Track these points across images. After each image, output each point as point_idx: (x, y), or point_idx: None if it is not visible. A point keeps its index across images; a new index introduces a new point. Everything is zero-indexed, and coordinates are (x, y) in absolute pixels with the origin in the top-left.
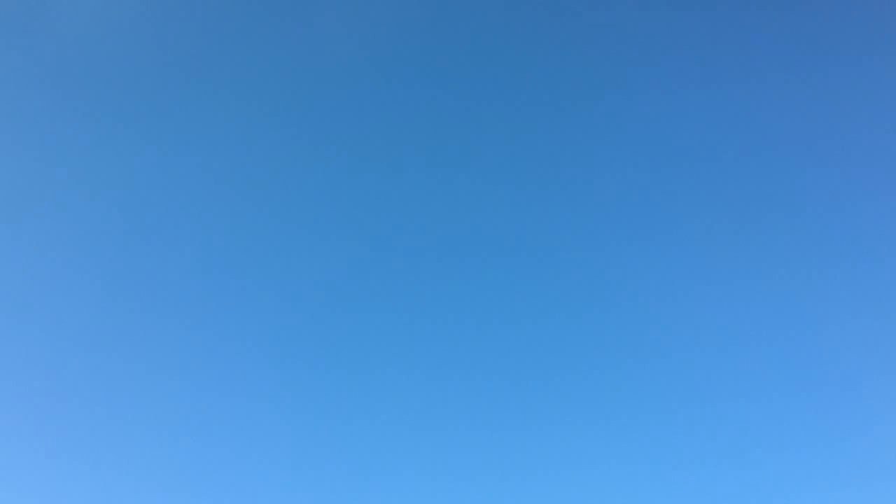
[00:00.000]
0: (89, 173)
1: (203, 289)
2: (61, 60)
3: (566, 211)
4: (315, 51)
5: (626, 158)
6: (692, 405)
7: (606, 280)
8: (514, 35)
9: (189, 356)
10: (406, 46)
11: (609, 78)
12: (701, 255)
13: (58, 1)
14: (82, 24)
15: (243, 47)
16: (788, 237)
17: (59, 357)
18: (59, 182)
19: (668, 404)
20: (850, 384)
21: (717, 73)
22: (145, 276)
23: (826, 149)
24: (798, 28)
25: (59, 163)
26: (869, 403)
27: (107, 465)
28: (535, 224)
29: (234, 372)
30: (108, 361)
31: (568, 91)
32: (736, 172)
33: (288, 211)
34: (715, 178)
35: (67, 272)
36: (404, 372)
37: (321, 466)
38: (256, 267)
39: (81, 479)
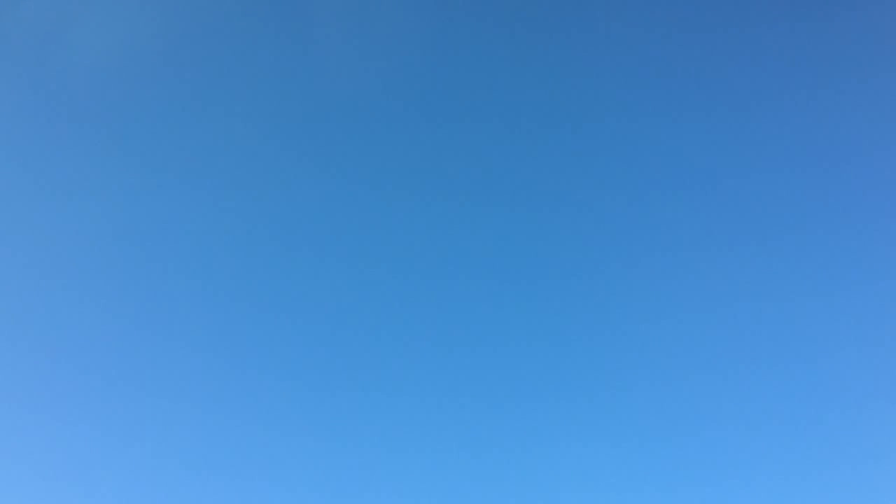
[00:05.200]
0: (87, 181)
1: (202, 297)
2: (58, 64)
3: (569, 224)
4: (315, 59)
5: (631, 172)
6: (693, 416)
7: (608, 293)
8: (520, 49)
9: (188, 362)
10: (409, 56)
11: (614, 90)
12: (704, 267)
13: (55, 3)
14: (80, 29)
15: (243, 55)
16: (793, 256)
17: (60, 364)
18: (58, 189)
19: (671, 418)
20: (854, 394)
21: (721, 83)
22: (144, 284)
23: (831, 161)
24: (805, 40)
25: (57, 169)
26: (873, 420)
27: (107, 472)
28: (538, 236)
29: (232, 379)
30: (109, 370)
31: (572, 102)
32: (739, 186)
33: (289, 221)
34: (717, 193)
35: (67, 281)
36: (405, 384)
37: (319, 475)
38: (256, 275)
39: (81, 485)
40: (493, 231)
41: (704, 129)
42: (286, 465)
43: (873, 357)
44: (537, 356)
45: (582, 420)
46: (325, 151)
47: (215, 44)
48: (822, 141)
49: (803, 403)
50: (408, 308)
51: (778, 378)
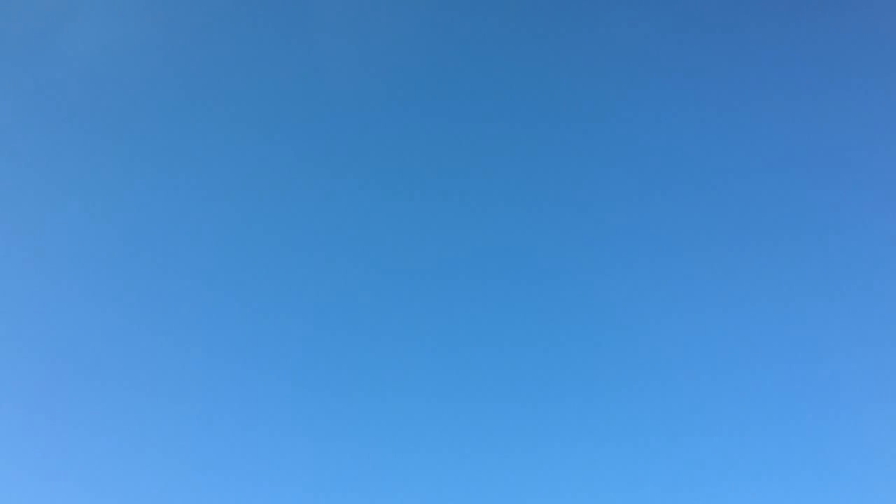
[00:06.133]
0: (86, 181)
1: (201, 296)
2: (58, 64)
3: (569, 224)
4: (316, 59)
5: (632, 172)
6: (693, 416)
7: (608, 293)
8: (520, 48)
9: (188, 362)
10: (409, 56)
11: (614, 90)
12: (704, 267)
13: (54, 3)
14: (80, 28)
15: (243, 55)
16: (794, 256)
17: (60, 364)
18: (57, 189)
19: (671, 418)
20: (855, 394)
21: (721, 84)
22: (143, 284)
23: (831, 162)
24: (805, 40)
25: (57, 168)
26: (873, 421)
27: (106, 471)
28: (538, 236)
29: (232, 379)
30: (109, 369)
31: (573, 102)
32: (739, 187)
33: (289, 220)
34: (717, 193)
35: (67, 281)
36: (405, 384)
37: (319, 475)
38: (256, 275)
39: (82, 485)
40: (493, 231)
41: (704, 129)
42: (286, 466)
43: (873, 357)
44: (538, 356)
45: (582, 420)
46: (325, 151)
47: (215, 44)
48: (822, 141)
49: (803, 403)
50: (408, 307)
51: (778, 378)
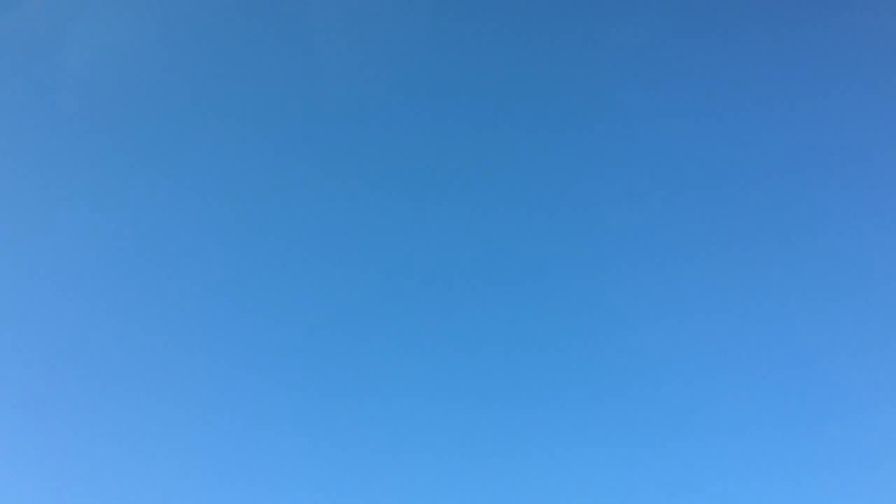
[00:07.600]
0: (86, 182)
1: (202, 298)
2: (58, 64)
3: (570, 226)
4: (316, 60)
5: (633, 174)
6: (694, 419)
7: (608, 296)
8: (521, 50)
9: (188, 363)
10: (410, 58)
11: (616, 91)
12: (705, 270)
13: (55, 3)
14: (80, 29)
15: (244, 56)
16: (795, 258)
17: (59, 365)
18: (57, 190)
19: (672, 420)
20: (855, 396)
21: (722, 85)
22: (143, 285)
23: (832, 162)
24: (806, 41)
25: (56, 169)
26: (874, 423)
27: (106, 472)
28: (539, 237)
29: (232, 381)
30: (108, 370)
31: (574, 104)
32: (740, 189)
33: (290, 222)
34: (718, 196)
35: (67, 282)
36: (405, 386)
37: (319, 476)
38: (256, 277)
39: (81, 485)
40: (494, 233)
41: (706, 131)
42: (286, 466)
43: (875, 359)
44: (539, 357)
45: (583, 422)
46: (325, 153)
47: (215, 45)
48: (822, 142)
49: (804, 405)
50: (409, 310)
51: (779, 380)
